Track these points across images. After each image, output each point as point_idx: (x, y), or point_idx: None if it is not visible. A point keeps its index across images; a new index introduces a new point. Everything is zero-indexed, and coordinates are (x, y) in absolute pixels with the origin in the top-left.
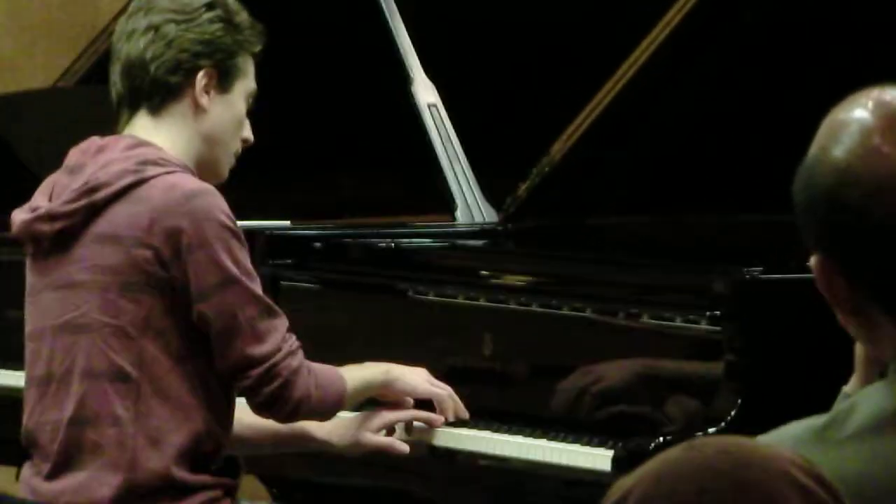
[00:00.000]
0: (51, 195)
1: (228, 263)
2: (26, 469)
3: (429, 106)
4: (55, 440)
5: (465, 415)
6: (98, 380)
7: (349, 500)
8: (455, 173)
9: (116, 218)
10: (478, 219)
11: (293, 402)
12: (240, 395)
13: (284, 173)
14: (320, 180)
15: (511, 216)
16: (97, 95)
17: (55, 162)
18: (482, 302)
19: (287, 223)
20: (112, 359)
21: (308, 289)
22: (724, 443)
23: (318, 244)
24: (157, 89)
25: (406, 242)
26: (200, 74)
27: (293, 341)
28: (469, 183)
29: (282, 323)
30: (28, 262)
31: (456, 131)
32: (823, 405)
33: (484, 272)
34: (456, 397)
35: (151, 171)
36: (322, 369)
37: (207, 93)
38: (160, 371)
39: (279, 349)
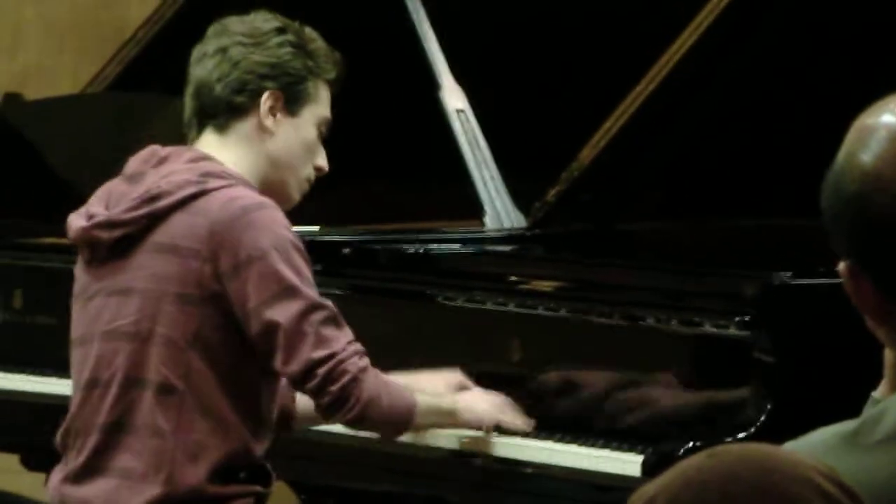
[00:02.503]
0: (107, 203)
1: (289, 274)
2: (55, 474)
3: (457, 111)
4: (91, 444)
5: (530, 426)
6: (143, 389)
7: None
8: (484, 179)
9: (176, 228)
10: (506, 224)
11: (363, 401)
12: (308, 399)
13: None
14: (349, 186)
15: (540, 221)
16: (125, 102)
17: (82, 168)
18: (511, 308)
19: (316, 229)
20: (159, 369)
21: (337, 295)
22: (746, 450)
23: (346, 250)
24: (223, 108)
25: (435, 248)
26: (265, 96)
27: (360, 346)
28: (498, 188)
29: (348, 331)
30: (80, 266)
31: (485, 136)
32: (853, 411)
33: (513, 278)
34: (516, 407)
35: (213, 183)
36: (393, 380)
37: (273, 115)
38: (205, 385)
39: (345, 348)
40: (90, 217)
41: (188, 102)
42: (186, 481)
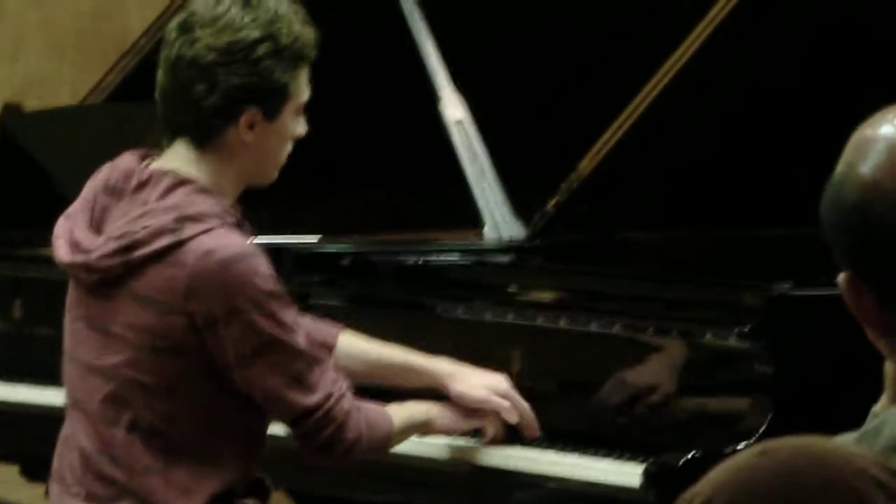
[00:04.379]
0: (91, 218)
1: (268, 328)
2: (56, 487)
3: (457, 122)
4: (87, 471)
5: (499, 433)
6: (129, 431)
7: None
8: (483, 189)
9: (153, 280)
10: (506, 235)
11: (348, 442)
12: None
13: (312, 190)
14: (348, 197)
15: (539, 232)
16: (125, 112)
17: (82, 178)
18: (510, 318)
19: (315, 240)
20: (144, 414)
21: (336, 306)
22: (799, 446)
23: (345, 261)
24: (200, 127)
25: (434, 259)
26: (244, 117)
27: (342, 383)
28: (497, 199)
29: (327, 368)
30: (71, 284)
31: (484, 147)
32: (854, 421)
33: (512, 288)
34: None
35: (189, 230)
36: (370, 408)
37: (252, 129)
38: (190, 428)
39: (331, 395)
40: (73, 244)
41: (160, 103)
42: None
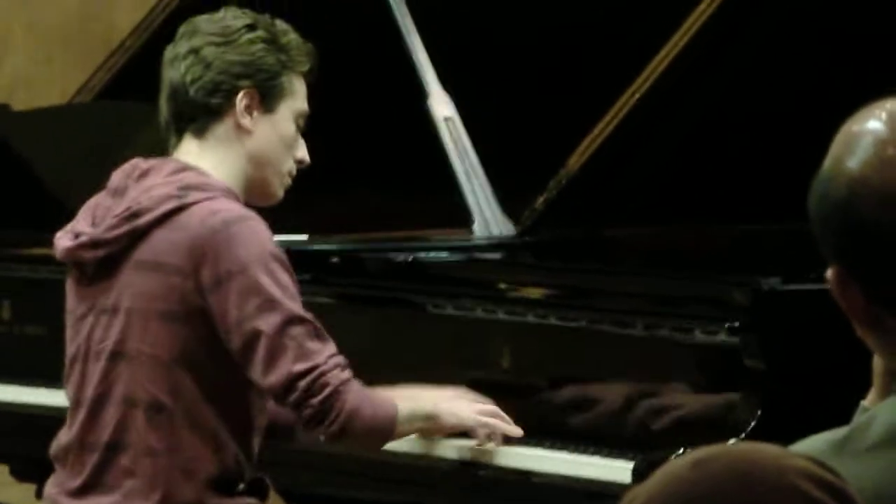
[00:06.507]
0: (93, 218)
1: (270, 286)
2: (51, 485)
3: (445, 119)
4: (89, 462)
5: (518, 432)
6: (134, 408)
7: None
8: (472, 186)
9: (158, 245)
10: (495, 232)
11: (344, 414)
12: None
13: (301, 188)
14: (337, 195)
15: (529, 229)
16: (113, 112)
17: (71, 179)
18: (500, 315)
19: (304, 238)
20: (148, 388)
21: (325, 303)
22: (732, 458)
23: (335, 259)
24: (198, 111)
25: (424, 256)
26: (240, 95)
27: (342, 358)
28: (486, 196)
29: (330, 345)
30: (70, 285)
31: (473, 144)
32: (843, 417)
33: (502, 285)
34: (504, 416)
35: (193, 196)
36: (374, 390)
37: (250, 114)
38: (194, 402)
39: (326, 361)
40: (76, 235)
41: (163, 106)
42: (183, 498)
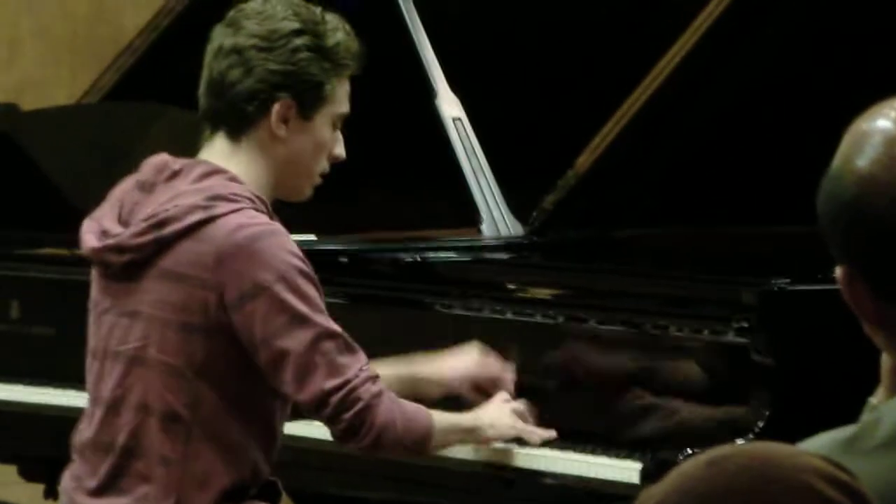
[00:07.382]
0: (119, 211)
1: (297, 303)
2: (68, 478)
3: (453, 119)
4: (106, 462)
5: (551, 435)
6: (150, 416)
7: None
8: (480, 187)
9: (183, 255)
10: (504, 232)
11: (376, 427)
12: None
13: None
14: (345, 195)
15: (537, 229)
16: (122, 112)
17: (79, 178)
18: (508, 316)
19: (312, 237)
20: (165, 398)
21: (334, 304)
22: (747, 458)
23: (343, 259)
24: (234, 114)
25: (432, 257)
26: (277, 106)
27: (373, 369)
28: (495, 196)
29: (361, 356)
30: (95, 278)
31: (481, 144)
32: (851, 416)
33: (510, 286)
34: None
35: (221, 208)
36: (408, 403)
37: (285, 123)
38: (212, 414)
39: (357, 375)
40: (102, 233)
41: (203, 95)
42: None
